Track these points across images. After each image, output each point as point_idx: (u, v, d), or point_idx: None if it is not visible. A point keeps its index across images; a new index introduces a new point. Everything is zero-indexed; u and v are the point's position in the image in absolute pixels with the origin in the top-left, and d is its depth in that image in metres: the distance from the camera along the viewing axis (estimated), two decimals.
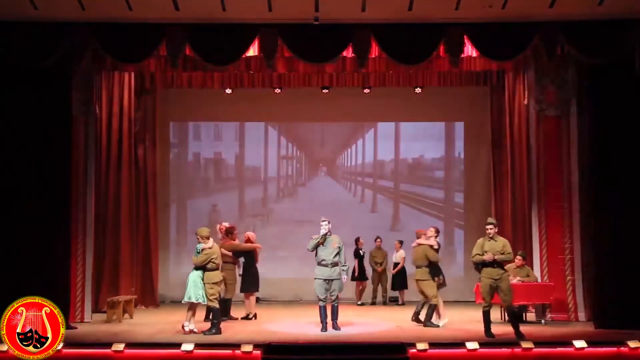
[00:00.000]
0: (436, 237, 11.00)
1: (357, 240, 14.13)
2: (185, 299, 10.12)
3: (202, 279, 10.09)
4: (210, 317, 10.33)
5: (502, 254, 9.69)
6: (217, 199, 15.19)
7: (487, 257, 9.66)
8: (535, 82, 11.45)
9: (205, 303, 10.09)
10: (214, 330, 9.94)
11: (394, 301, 14.12)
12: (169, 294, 14.14)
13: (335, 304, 10.27)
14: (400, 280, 14.06)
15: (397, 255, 14.14)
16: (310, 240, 10.34)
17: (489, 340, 9.26)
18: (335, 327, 10.22)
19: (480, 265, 9.80)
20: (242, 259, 11.70)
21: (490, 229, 9.80)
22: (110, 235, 12.96)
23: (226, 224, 11.93)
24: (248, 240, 11.78)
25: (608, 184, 10.60)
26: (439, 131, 15.25)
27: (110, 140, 13.04)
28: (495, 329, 9.90)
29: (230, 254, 11.42)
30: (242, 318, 11.57)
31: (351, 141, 15.58)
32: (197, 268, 10.12)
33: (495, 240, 9.78)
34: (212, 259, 10.14)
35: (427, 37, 10.39)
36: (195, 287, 10.04)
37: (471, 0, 9.90)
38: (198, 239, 10.21)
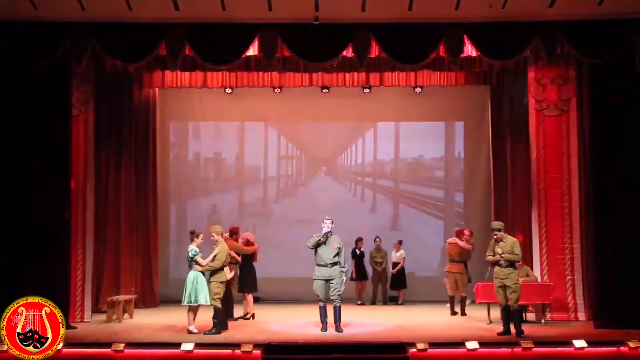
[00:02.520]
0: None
1: (357, 241, 14.13)
2: (186, 302, 10.03)
3: (208, 280, 10.08)
4: (212, 316, 10.33)
5: (510, 253, 9.80)
6: (217, 199, 15.18)
7: (492, 258, 9.91)
8: (535, 82, 11.45)
9: (209, 303, 10.06)
10: (214, 330, 9.93)
11: (394, 301, 14.12)
12: (169, 294, 14.12)
13: (338, 305, 10.14)
14: (399, 280, 14.05)
15: (397, 255, 14.13)
16: (311, 238, 10.31)
17: (489, 340, 9.26)
18: (338, 329, 10.07)
19: (492, 266, 10.05)
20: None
21: (495, 235, 9.94)
22: (110, 235, 12.96)
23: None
24: (247, 242, 11.77)
25: (608, 183, 10.60)
26: (439, 131, 15.25)
27: (110, 140, 13.03)
28: (498, 329, 9.92)
29: (235, 254, 11.43)
30: (239, 318, 11.56)
31: (351, 141, 15.58)
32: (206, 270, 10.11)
33: (504, 241, 9.90)
34: (225, 259, 10.21)
35: (427, 37, 10.40)
36: (199, 289, 9.97)
37: (471, 0, 9.91)
38: (212, 236, 10.23)
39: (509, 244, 9.88)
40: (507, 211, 13.28)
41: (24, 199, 10.53)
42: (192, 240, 10.17)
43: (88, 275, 11.38)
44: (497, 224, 10.17)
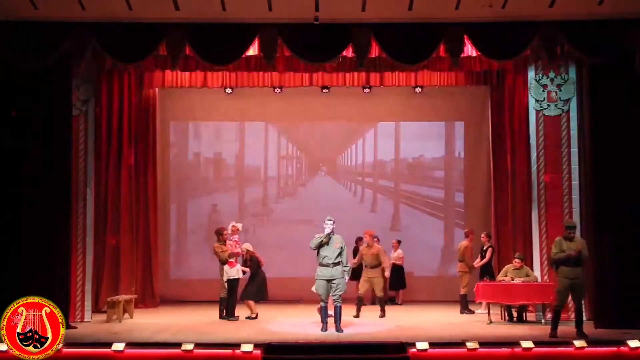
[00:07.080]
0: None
1: (357, 240, 14.10)
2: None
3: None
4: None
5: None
6: (217, 199, 15.18)
7: (564, 254, 9.63)
8: (535, 82, 11.46)
9: None
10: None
11: (393, 301, 14.08)
12: (169, 294, 14.13)
13: (338, 305, 10.12)
14: (398, 279, 13.98)
15: (395, 255, 14.07)
16: (314, 239, 10.29)
17: (489, 340, 9.25)
18: (338, 329, 10.03)
19: (558, 265, 9.76)
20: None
21: (572, 233, 9.77)
22: (110, 236, 12.95)
23: (238, 225, 12.17)
24: (247, 252, 11.82)
25: (608, 183, 10.61)
26: (439, 131, 15.24)
27: (110, 140, 13.03)
28: (498, 329, 9.92)
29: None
30: (247, 317, 11.64)
31: (351, 141, 15.58)
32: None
33: (574, 241, 9.76)
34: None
35: (427, 37, 10.41)
36: None
37: (471, 0, 9.91)
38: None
39: (577, 244, 9.68)
40: (507, 211, 13.29)
41: (24, 199, 10.53)
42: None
43: (88, 275, 11.37)
44: (574, 222, 10.09)
